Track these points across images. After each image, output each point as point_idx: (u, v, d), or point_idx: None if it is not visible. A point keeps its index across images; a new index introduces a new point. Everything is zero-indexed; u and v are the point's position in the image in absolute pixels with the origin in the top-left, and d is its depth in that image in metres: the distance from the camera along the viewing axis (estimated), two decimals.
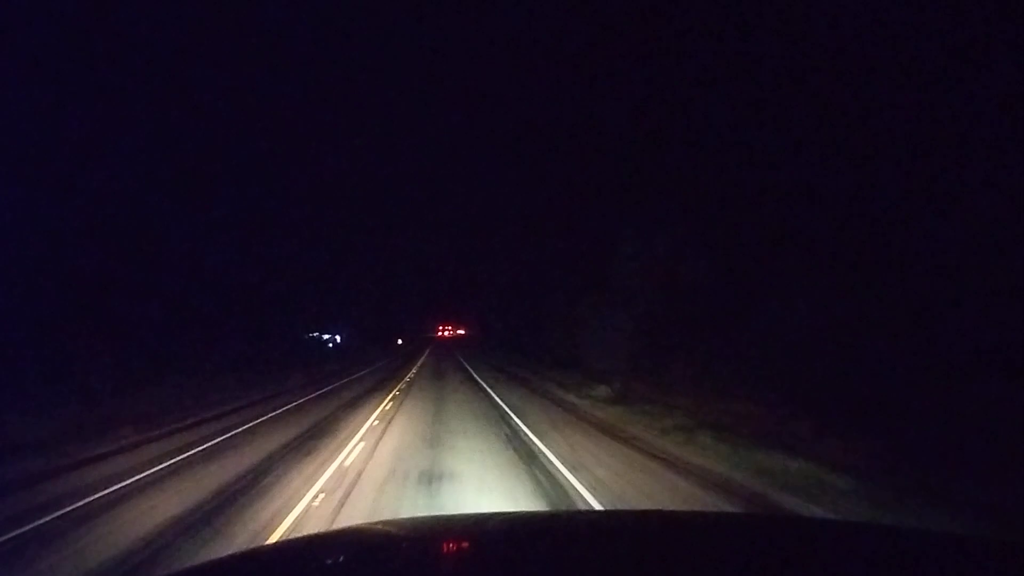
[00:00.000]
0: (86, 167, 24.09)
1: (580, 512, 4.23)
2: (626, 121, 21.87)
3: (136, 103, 33.44)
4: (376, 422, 9.72)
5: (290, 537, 4.15)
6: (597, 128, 24.02)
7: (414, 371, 23.58)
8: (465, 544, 1.42)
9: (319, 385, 18.06)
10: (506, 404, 12.12)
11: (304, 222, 67.17)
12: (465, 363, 28.82)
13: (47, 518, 4.98)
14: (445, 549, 1.41)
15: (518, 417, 10.10)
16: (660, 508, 4.34)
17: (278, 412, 11.73)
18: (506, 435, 8.33)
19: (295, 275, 50.10)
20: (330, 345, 35.11)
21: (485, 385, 16.73)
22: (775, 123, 14.20)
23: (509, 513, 3.29)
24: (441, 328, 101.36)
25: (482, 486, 5.37)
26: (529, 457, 6.77)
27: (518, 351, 37.32)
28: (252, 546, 3.93)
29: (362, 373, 23.73)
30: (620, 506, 4.74)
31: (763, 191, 15.28)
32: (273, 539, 4.14)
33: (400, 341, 70.69)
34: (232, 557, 1.72)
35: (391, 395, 14.18)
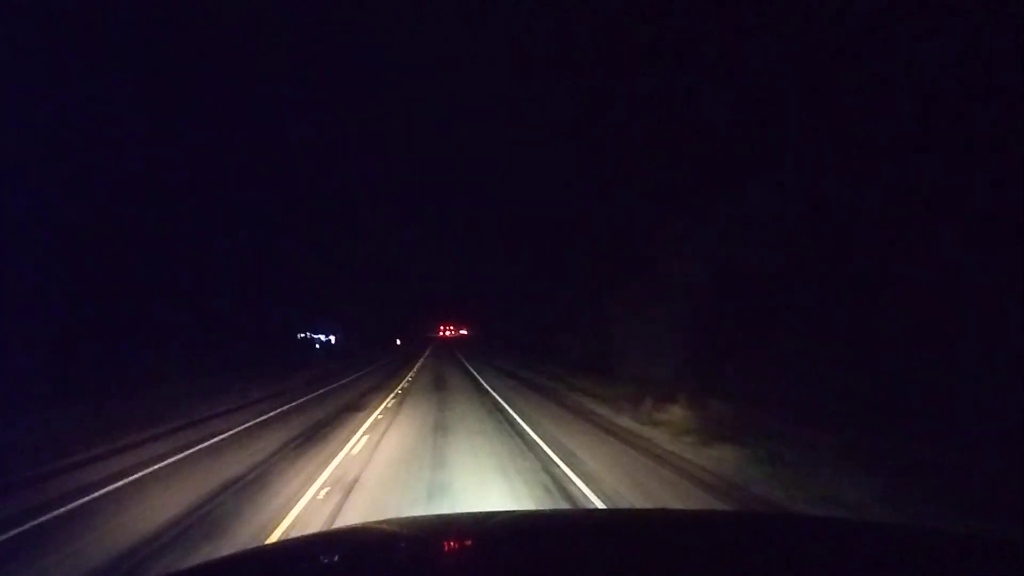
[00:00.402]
0: (90, 170, 24.25)
1: (584, 511, 4.19)
2: (662, 78, 17.65)
3: (140, 106, 32.91)
4: (323, 493, 5.39)
5: (292, 536, 4.00)
6: (626, 89, 19.79)
7: (409, 378, 19.33)
8: (468, 542, 1.39)
9: (288, 397, 13.82)
10: (546, 440, 7.85)
11: (305, 221, 64.00)
12: (470, 367, 24.54)
13: None
14: (448, 548, 1.37)
15: (579, 475, 5.78)
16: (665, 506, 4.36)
17: (177, 459, 7.47)
18: None
19: (291, 275, 46.66)
20: (316, 347, 30.84)
21: (501, 400, 12.47)
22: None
23: (512, 512, 3.15)
24: (442, 328, 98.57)
25: None
26: None
27: (528, 353, 33.19)
28: (253, 545, 3.76)
29: (347, 380, 19.49)
30: None
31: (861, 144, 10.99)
32: None
33: (399, 342, 66.64)
34: (234, 556, 1.63)
35: (371, 420, 9.92)
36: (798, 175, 12.39)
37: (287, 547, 1.74)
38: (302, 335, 57.68)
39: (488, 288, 63.45)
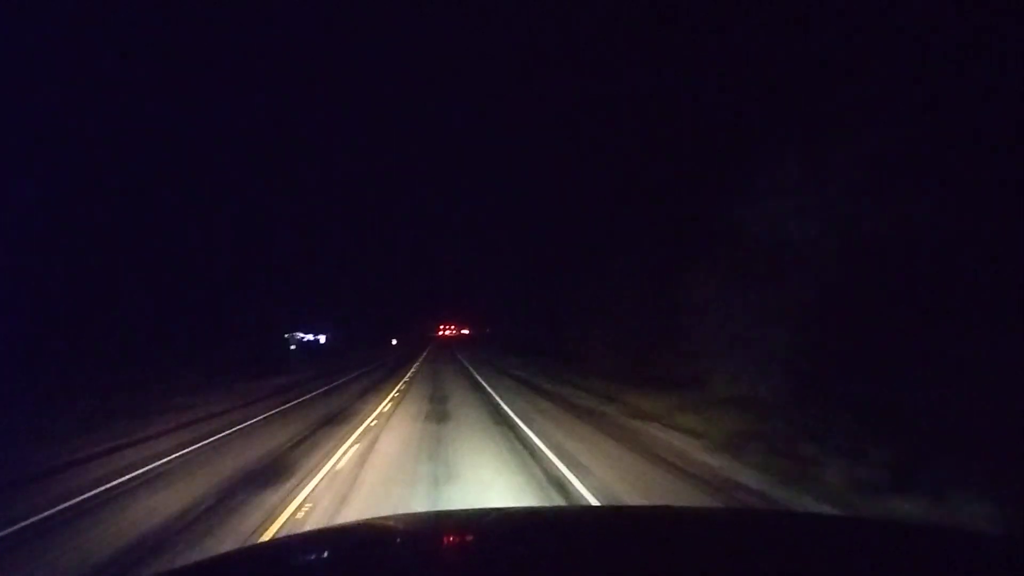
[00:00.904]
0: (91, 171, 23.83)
1: (585, 507, 4.08)
2: None
3: (139, 104, 32.32)
4: None
5: (291, 533, 3.81)
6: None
7: (396, 393, 13.90)
8: (470, 538, 1.35)
9: (188, 436, 8.53)
10: None
11: (303, 218, 59.66)
12: (478, 377, 19.02)
13: None
14: (449, 544, 1.33)
15: None
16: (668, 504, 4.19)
17: None
18: None
19: (281, 273, 42.71)
20: (292, 347, 25.68)
21: (544, 447, 6.96)
22: None
23: (513, 508, 3.19)
24: (442, 327, 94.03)
25: None
26: None
27: (546, 358, 27.81)
28: (251, 543, 3.63)
29: (308, 397, 14.07)
30: None
31: None
32: None
33: (394, 342, 61.16)
34: (232, 554, 1.66)
35: (294, 508, 4.56)
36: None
37: (286, 544, 1.70)
38: (288, 334, 52.24)
39: (492, 285, 58.89)
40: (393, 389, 15.08)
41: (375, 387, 16.15)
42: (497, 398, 12.54)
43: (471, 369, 22.43)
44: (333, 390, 15.76)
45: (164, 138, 32.55)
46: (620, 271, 20.18)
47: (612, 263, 21.25)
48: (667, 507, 3.08)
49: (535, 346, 33.79)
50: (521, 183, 51.69)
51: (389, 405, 11.68)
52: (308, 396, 14.10)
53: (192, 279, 32.75)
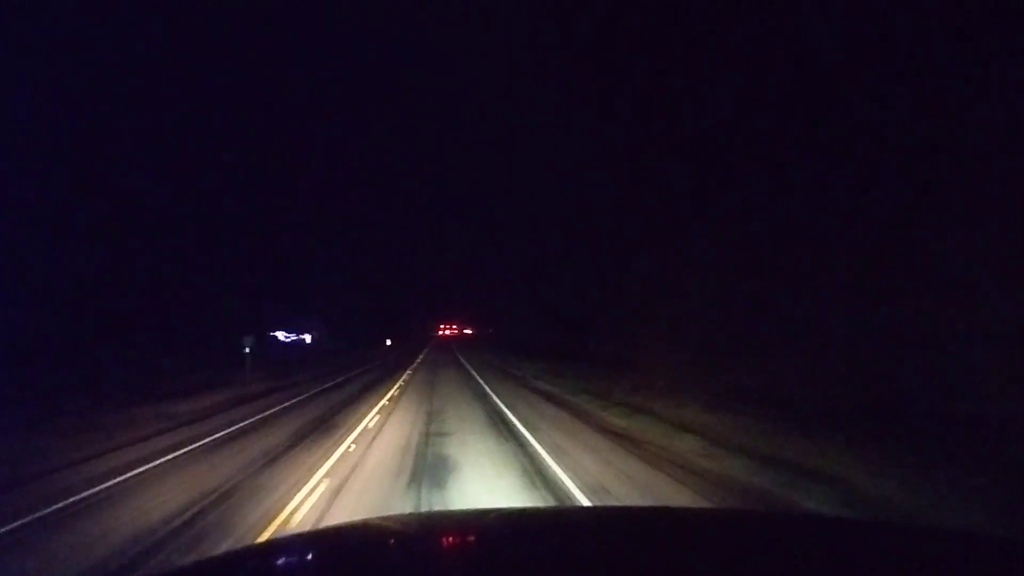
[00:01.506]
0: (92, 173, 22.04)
1: (584, 508, 4.04)
2: None
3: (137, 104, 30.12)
4: None
5: (289, 533, 3.68)
6: None
7: (358, 436, 7.74)
8: (470, 538, 1.32)
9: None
10: None
11: (303, 214, 55.09)
12: (492, 394, 12.50)
13: None
14: (448, 544, 1.30)
15: None
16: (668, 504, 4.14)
17: None
18: None
19: (272, 266, 39.24)
20: (246, 350, 19.80)
21: None
22: None
23: (512, 508, 3.09)
24: (443, 326, 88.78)
25: None
26: None
27: (568, 359, 21.80)
28: (249, 542, 3.53)
29: (214, 439, 7.99)
30: None
31: None
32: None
33: (389, 342, 55.21)
34: (230, 554, 1.63)
35: None
36: None
37: (285, 544, 1.67)
38: (278, 334, 46.29)
39: (495, 282, 54.12)
40: (358, 427, 8.91)
41: (333, 419, 9.97)
42: (548, 459, 6.37)
43: (482, 383, 16.20)
44: (262, 424, 9.57)
45: (163, 137, 30.59)
46: (700, 243, 14.06)
47: (680, 235, 15.15)
48: (667, 507, 3.03)
49: (552, 347, 27.81)
50: (527, 166, 46.13)
51: (327, 483, 5.54)
52: (202, 443, 7.90)
53: (178, 276, 28.81)
